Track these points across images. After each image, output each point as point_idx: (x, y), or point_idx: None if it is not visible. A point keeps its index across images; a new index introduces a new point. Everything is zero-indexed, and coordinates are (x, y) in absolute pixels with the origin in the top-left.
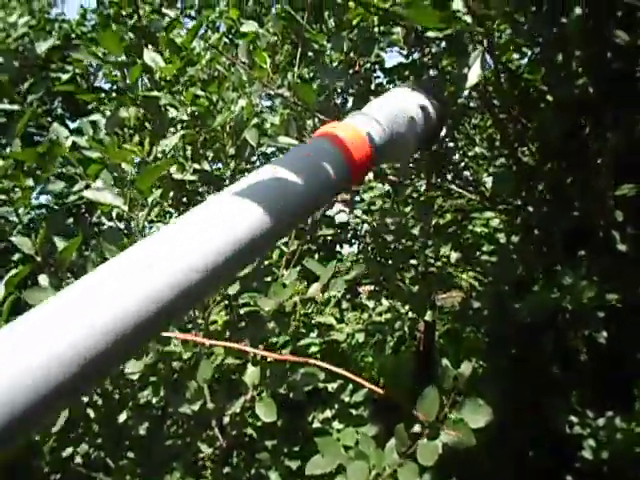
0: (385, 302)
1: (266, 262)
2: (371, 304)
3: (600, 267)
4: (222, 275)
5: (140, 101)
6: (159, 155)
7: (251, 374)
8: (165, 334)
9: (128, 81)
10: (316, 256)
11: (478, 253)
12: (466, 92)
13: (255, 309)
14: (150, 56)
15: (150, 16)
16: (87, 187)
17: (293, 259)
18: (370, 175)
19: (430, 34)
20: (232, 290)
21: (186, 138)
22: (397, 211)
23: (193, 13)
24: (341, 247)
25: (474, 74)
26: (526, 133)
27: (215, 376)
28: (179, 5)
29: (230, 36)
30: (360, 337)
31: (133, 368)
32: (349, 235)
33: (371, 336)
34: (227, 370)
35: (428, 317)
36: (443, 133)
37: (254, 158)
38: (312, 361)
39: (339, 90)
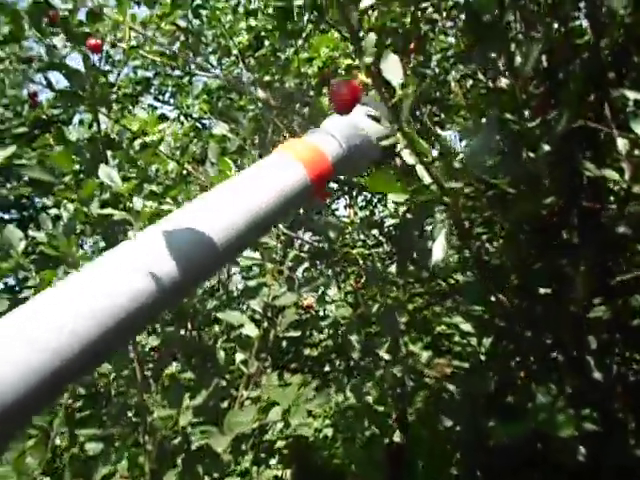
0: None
1: (223, 383)
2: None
3: (576, 390)
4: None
5: (93, 218)
6: None
7: None
8: None
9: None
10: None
11: (449, 344)
12: None
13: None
14: (105, 172)
15: (120, 116)
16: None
17: (254, 378)
18: (333, 291)
19: (394, 198)
20: (183, 421)
21: None
22: (361, 328)
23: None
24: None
25: (439, 249)
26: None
27: None
28: (152, 90)
29: (203, 121)
30: (328, 432)
31: None
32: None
33: (340, 432)
34: None
35: (397, 438)
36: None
37: None
38: None
39: None
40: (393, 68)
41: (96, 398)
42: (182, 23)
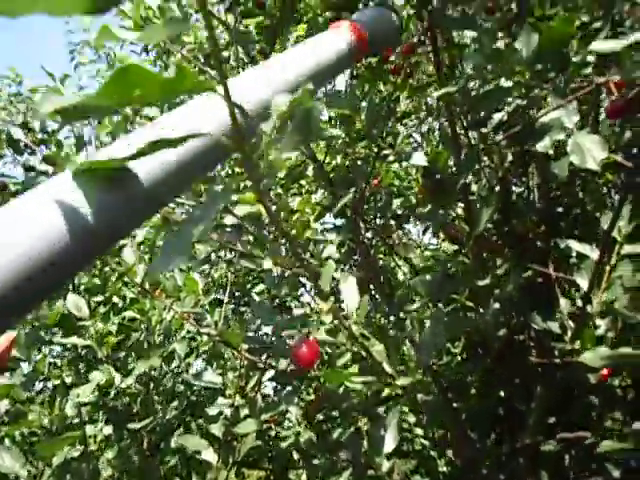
0: None
1: None
2: None
3: None
4: None
5: (57, 342)
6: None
7: None
8: None
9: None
10: None
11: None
12: None
13: None
14: (73, 300)
15: None
16: None
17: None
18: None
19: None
20: None
21: (105, 382)
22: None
23: None
24: None
25: (391, 439)
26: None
27: None
28: None
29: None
30: None
31: None
32: None
33: None
34: None
35: None
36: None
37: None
38: None
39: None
40: (351, 291)
41: None
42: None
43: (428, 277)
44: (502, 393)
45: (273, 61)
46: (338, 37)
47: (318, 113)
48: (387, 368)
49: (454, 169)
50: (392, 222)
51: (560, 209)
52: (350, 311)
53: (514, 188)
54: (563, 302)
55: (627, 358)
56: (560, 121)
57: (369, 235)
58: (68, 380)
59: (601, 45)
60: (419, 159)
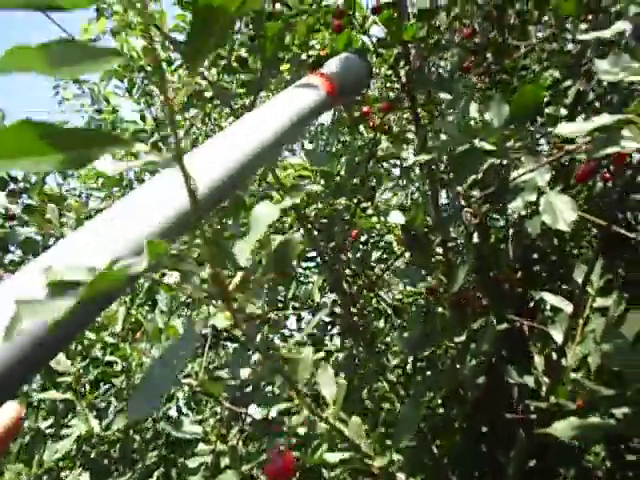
0: None
1: None
2: None
3: None
4: None
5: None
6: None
7: None
8: None
9: None
10: None
11: None
12: None
13: None
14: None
15: None
16: None
17: None
18: None
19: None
20: None
21: (85, 434)
22: None
23: None
24: None
25: None
26: None
27: None
28: None
29: None
30: None
31: None
32: None
33: None
34: None
35: None
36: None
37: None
38: None
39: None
40: (328, 381)
41: None
42: None
43: (406, 334)
44: (484, 429)
45: (253, 115)
46: (310, 90)
47: (296, 246)
48: (364, 448)
49: (436, 214)
50: (372, 264)
51: (536, 255)
52: (328, 401)
53: (493, 222)
54: (537, 359)
55: (597, 428)
56: (533, 181)
57: (349, 272)
58: (44, 424)
59: (566, 129)
60: (396, 217)
